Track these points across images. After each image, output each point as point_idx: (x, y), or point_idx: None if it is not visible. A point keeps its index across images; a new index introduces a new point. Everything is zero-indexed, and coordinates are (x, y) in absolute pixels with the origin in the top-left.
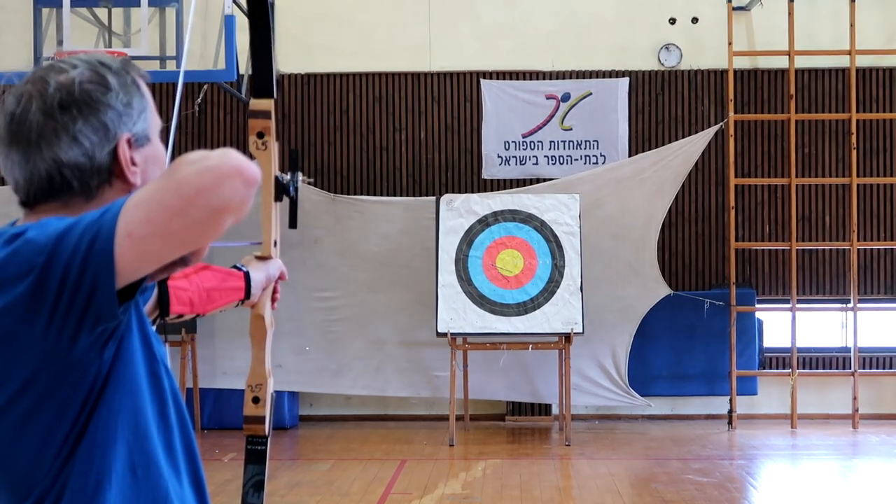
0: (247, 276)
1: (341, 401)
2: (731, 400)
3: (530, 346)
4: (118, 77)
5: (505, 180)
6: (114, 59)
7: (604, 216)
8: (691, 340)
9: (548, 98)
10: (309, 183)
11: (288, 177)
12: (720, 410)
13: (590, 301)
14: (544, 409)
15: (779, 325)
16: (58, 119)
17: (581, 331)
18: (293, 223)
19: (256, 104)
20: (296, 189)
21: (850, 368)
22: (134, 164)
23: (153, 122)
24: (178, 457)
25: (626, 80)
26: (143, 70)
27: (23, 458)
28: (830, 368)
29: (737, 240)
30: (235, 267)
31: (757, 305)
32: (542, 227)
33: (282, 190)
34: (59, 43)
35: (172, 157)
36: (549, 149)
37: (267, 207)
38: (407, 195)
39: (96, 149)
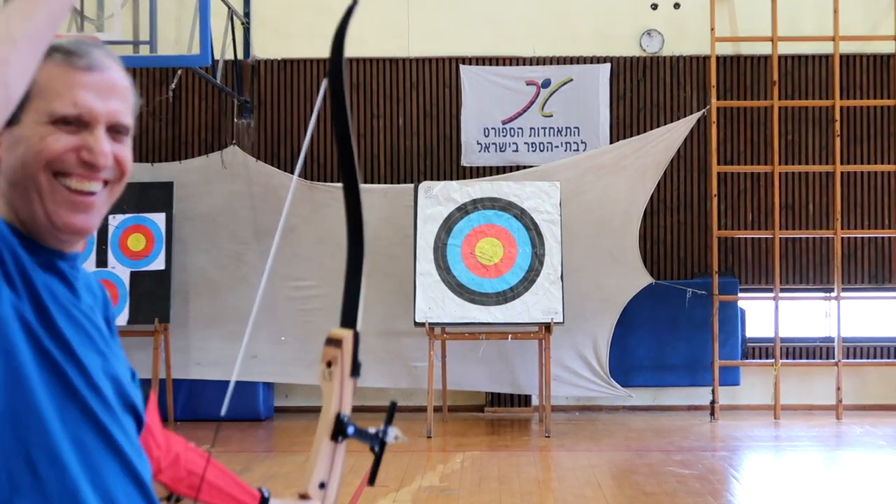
0: (264, 501)
1: (317, 392)
2: (713, 390)
3: (510, 336)
4: None
5: (484, 167)
6: (62, 40)
7: (585, 204)
8: (673, 330)
9: (528, 84)
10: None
11: (379, 429)
12: (702, 401)
13: (570, 290)
14: (524, 400)
15: (762, 315)
16: None
17: (561, 320)
18: (372, 481)
19: (337, 333)
20: (382, 445)
21: (833, 358)
22: None
23: (34, 106)
24: (98, 452)
25: (608, 66)
26: (81, 57)
27: None
28: (814, 358)
29: (719, 228)
30: (259, 490)
31: (739, 295)
32: (521, 215)
33: (365, 438)
34: None
35: (143, 145)
36: (530, 135)
37: (318, 444)
38: (385, 182)
39: None
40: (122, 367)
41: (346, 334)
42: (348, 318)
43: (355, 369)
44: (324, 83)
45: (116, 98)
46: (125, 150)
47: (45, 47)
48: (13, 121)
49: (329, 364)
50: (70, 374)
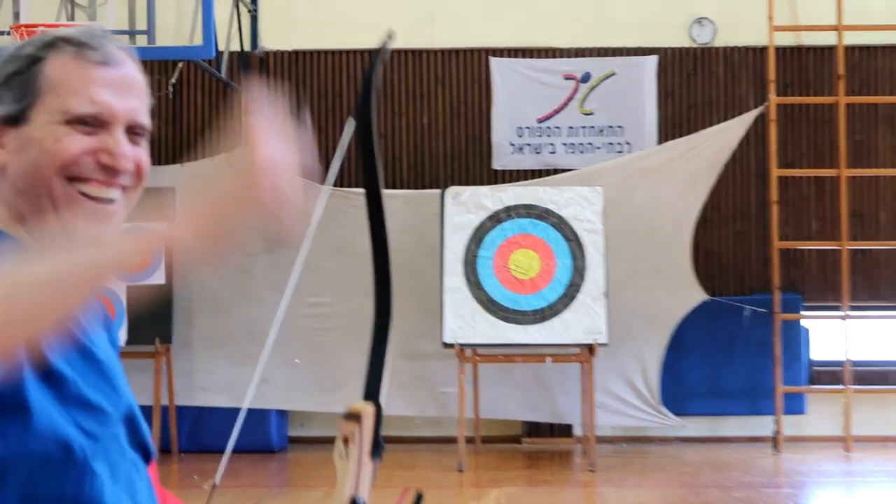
0: None
1: (335, 420)
2: (776, 420)
3: (548, 358)
4: (19, 48)
5: (518, 171)
6: (64, 30)
7: (630, 211)
8: (730, 352)
9: (566, 78)
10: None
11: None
12: (764, 432)
13: (615, 307)
14: (565, 430)
15: (829, 335)
16: None
17: (606, 341)
18: None
19: (356, 407)
20: None
21: None
22: (1, 145)
23: (47, 104)
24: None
25: (654, 58)
26: (94, 49)
27: None
28: (889, 384)
29: (780, 239)
30: None
31: (803, 313)
32: (560, 224)
33: None
34: (16, 16)
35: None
36: (568, 135)
37: None
38: (408, 188)
39: None
40: (130, 396)
41: (368, 409)
42: (371, 390)
43: (376, 450)
44: (349, 125)
45: (134, 95)
46: (143, 152)
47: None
48: (20, 120)
49: (346, 441)
50: (87, 426)
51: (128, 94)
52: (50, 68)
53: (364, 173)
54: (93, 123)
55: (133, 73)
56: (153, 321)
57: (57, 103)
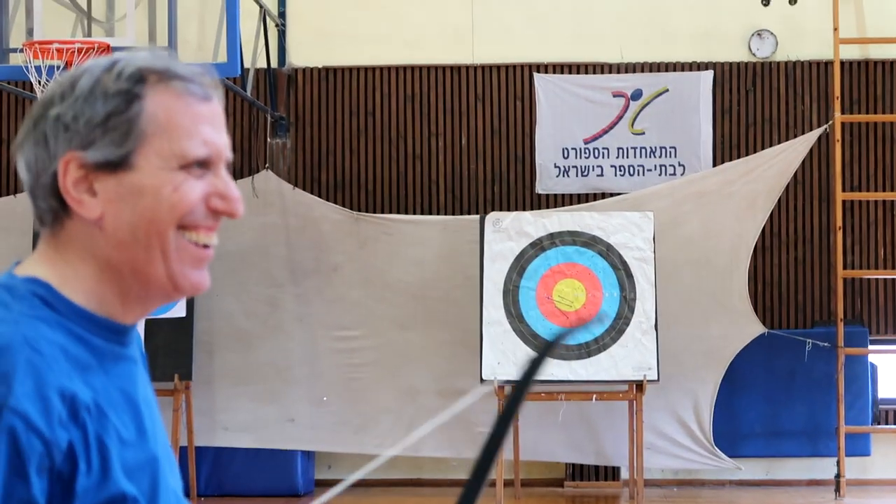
0: None
1: (366, 462)
2: (838, 462)
3: (594, 396)
4: (99, 82)
5: (563, 195)
6: (149, 58)
7: (683, 238)
8: (790, 389)
9: (615, 95)
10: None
11: None
12: (825, 475)
13: (666, 342)
14: (611, 473)
15: None
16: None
17: (656, 377)
18: None
19: None
20: None
21: None
22: (92, 193)
23: (156, 148)
24: None
25: (710, 73)
26: (196, 83)
27: None
28: None
29: (845, 267)
30: None
31: (870, 347)
32: (608, 252)
33: None
34: (29, 32)
35: None
36: (617, 157)
37: None
38: (445, 213)
39: (39, 165)
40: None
41: None
42: None
43: None
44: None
45: (224, 129)
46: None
47: None
48: (123, 165)
49: None
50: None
51: (221, 128)
52: (154, 107)
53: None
54: (203, 166)
55: (220, 105)
56: (172, 356)
57: (169, 146)
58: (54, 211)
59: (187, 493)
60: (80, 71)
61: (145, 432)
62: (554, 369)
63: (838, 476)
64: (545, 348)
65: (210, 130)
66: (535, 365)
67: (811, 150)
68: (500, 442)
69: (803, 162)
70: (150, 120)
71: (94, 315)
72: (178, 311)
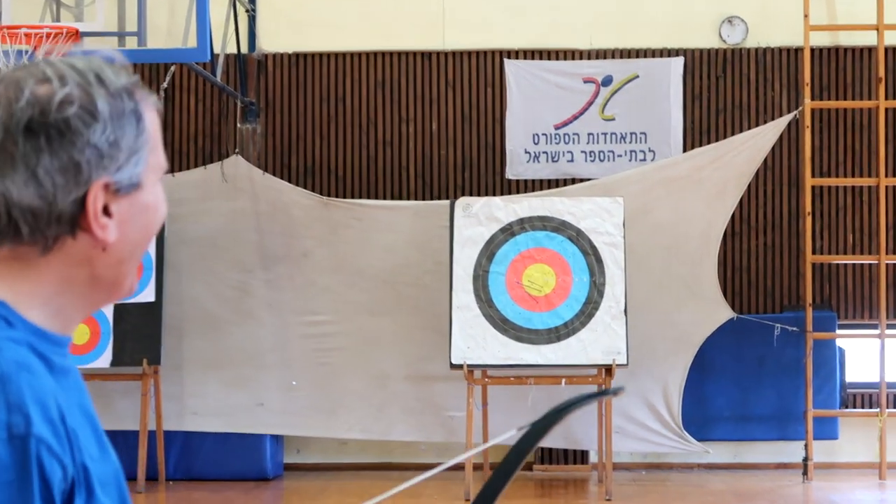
0: None
1: (335, 446)
2: (806, 446)
3: (563, 380)
4: (114, 103)
5: (534, 181)
6: (119, 75)
7: (653, 224)
8: (758, 374)
9: (585, 82)
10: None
11: None
12: (793, 458)
13: (636, 326)
14: (580, 457)
15: (865, 356)
16: (19, 144)
17: (625, 362)
18: None
19: None
20: None
21: None
22: (108, 214)
23: (151, 164)
24: None
25: (681, 59)
26: (150, 94)
27: None
28: None
29: (814, 252)
30: None
31: (838, 332)
32: (578, 238)
33: None
34: None
35: None
36: (588, 143)
37: None
38: (416, 199)
39: (59, 192)
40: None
41: None
42: None
43: None
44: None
45: None
46: None
47: None
48: (135, 186)
49: None
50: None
51: None
52: (148, 122)
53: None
54: None
55: None
56: (140, 341)
57: (155, 160)
58: (60, 235)
59: (156, 478)
60: (79, 90)
61: (105, 444)
62: (523, 354)
63: (806, 459)
64: (555, 414)
65: None
66: (542, 426)
67: (781, 137)
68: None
69: (773, 148)
70: (149, 136)
71: (45, 331)
72: (147, 295)
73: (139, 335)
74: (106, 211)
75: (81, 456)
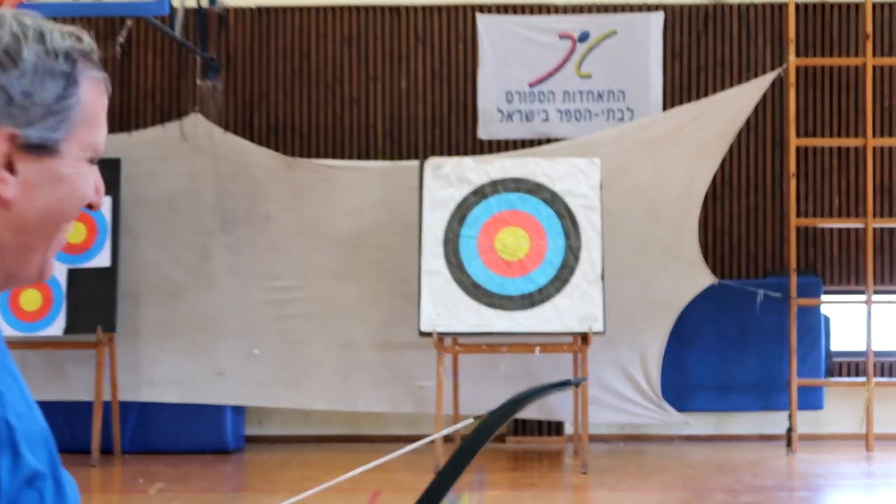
0: None
1: (299, 418)
2: (790, 416)
3: (537, 348)
4: (44, 58)
5: (507, 141)
6: (66, 39)
7: (631, 186)
8: (740, 342)
9: (561, 38)
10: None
11: None
12: (777, 429)
13: (613, 292)
14: (555, 428)
15: (851, 323)
16: None
17: (602, 329)
18: None
19: None
20: None
21: None
22: (12, 171)
23: (79, 138)
24: None
25: (660, 14)
26: (100, 72)
27: None
28: None
29: (798, 216)
30: None
31: (823, 298)
32: (553, 200)
33: None
34: None
35: None
36: (563, 101)
37: None
38: (383, 159)
39: None
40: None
41: None
42: None
43: None
44: None
45: None
46: None
47: None
48: (50, 150)
49: None
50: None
51: None
52: (85, 95)
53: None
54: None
55: None
56: (95, 307)
57: (88, 138)
58: None
59: (111, 450)
60: (10, 36)
61: (31, 403)
62: (495, 321)
63: (790, 430)
64: (521, 398)
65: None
66: (506, 410)
67: (764, 95)
68: (452, 477)
69: (756, 107)
70: (81, 108)
71: None
72: (102, 259)
73: (93, 301)
74: (12, 168)
75: (4, 411)
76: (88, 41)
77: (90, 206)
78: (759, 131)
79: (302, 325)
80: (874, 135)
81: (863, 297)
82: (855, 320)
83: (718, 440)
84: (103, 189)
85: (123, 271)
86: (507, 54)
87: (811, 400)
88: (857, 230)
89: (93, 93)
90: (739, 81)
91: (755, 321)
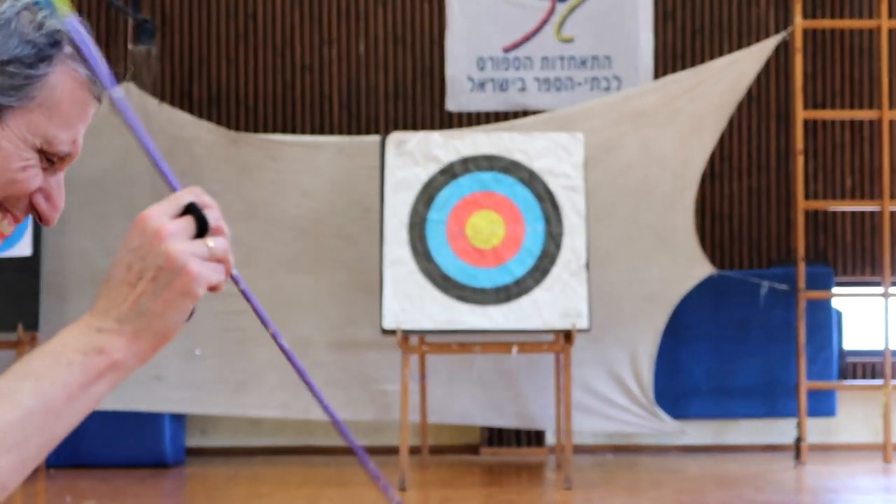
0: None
1: (247, 427)
2: (798, 424)
3: (514, 347)
4: (23, 23)
5: (479, 113)
6: (61, 21)
7: (619, 164)
8: (743, 340)
9: None
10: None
11: None
12: (784, 439)
13: (599, 285)
14: (535, 438)
15: (866, 318)
16: None
17: (587, 326)
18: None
19: None
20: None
21: None
22: None
23: (32, 118)
24: None
25: None
26: (95, 79)
27: None
28: None
29: (806, 197)
30: None
31: (835, 290)
32: (531, 180)
33: None
34: None
35: None
36: (542, 68)
37: None
38: (340, 133)
39: None
40: None
41: None
42: None
43: None
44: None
45: None
46: None
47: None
48: None
49: None
50: None
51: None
52: (56, 80)
53: None
54: (53, 162)
55: None
56: (15, 302)
57: (44, 126)
58: None
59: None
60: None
61: None
62: (467, 317)
63: (799, 440)
64: None
65: (82, 132)
66: None
67: (768, 62)
68: None
69: (758, 75)
70: (46, 90)
71: None
72: (23, 248)
73: (13, 296)
74: None
75: None
76: (90, 40)
77: (40, 218)
78: (763, 103)
79: (249, 321)
80: (891, 106)
81: (879, 290)
82: (871, 315)
83: (718, 451)
84: (57, 202)
85: (47, 262)
86: (478, 15)
87: (822, 405)
88: (872, 214)
89: (69, 85)
90: (740, 46)
91: (759, 317)
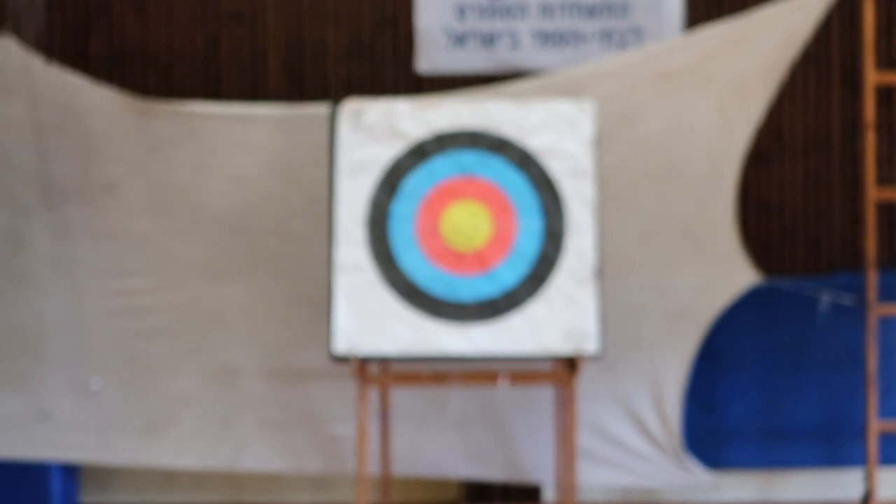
0: None
1: (158, 480)
2: (867, 475)
3: (503, 378)
4: None
5: (457, 76)
6: None
7: (639, 142)
8: (797, 368)
9: None
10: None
11: None
12: (848, 493)
13: (613, 297)
14: (528, 495)
15: None
16: None
17: (596, 351)
18: None
19: None
20: None
21: None
22: None
23: None
24: None
25: None
26: None
27: None
28: None
29: (879, 184)
30: None
31: None
32: (525, 162)
33: None
34: None
35: None
36: (540, 18)
37: None
38: (278, 100)
39: None
40: None
41: None
42: None
43: None
44: None
45: None
46: None
47: None
48: None
49: None
50: None
51: None
52: None
53: None
54: None
55: None
56: None
57: None
58: None
59: None
60: None
61: None
62: (442, 338)
63: (867, 495)
64: None
65: None
66: None
67: (830, 11)
68: None
69: (818, 28)
70: None
71: None
72: None
73: None
74: None
75: None
76: None
77: None
78: (823, 63)
79: (161, 345)
80: None
81: None
82: None
83: None
84: None
85: None
86: None
87: None
88: None
89: None
90: None
91: (817, 338)
